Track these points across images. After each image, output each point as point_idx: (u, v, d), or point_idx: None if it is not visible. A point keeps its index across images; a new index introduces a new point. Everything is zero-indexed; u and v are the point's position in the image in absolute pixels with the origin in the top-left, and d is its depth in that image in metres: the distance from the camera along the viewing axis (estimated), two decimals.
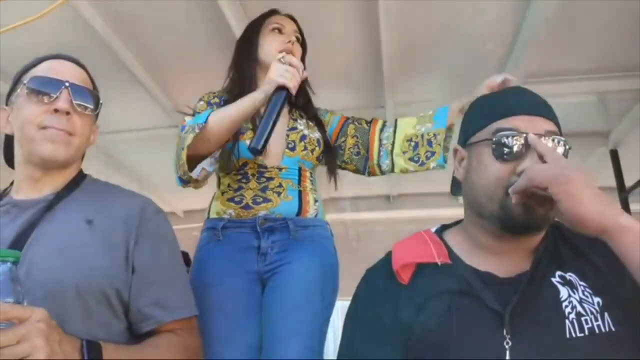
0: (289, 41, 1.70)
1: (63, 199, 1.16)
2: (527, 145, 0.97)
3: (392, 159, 1.71)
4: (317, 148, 1.69)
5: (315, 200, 1.66)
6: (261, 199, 1.58)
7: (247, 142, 1.52)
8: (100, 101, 1.24)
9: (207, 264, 1.55)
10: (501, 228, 1.00)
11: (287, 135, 1.67)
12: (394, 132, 1.74)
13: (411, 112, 2.75)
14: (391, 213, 3.96)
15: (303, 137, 1.68)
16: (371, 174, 1.78)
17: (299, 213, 1.59)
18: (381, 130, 1.77)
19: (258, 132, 1.40)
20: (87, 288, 1.03)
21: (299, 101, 1.79)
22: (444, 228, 1.16)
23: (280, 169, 1.62)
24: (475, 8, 2.07)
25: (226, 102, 1.64)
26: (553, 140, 0.99)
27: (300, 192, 1.63)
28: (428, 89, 2.68)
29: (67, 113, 1.14)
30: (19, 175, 1.20)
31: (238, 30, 2.12)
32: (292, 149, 1.65)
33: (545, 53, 2.27)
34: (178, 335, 1.12)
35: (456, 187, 1.17)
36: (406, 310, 1.00)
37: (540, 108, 1.05)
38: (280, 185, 1.61)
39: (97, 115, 1.26)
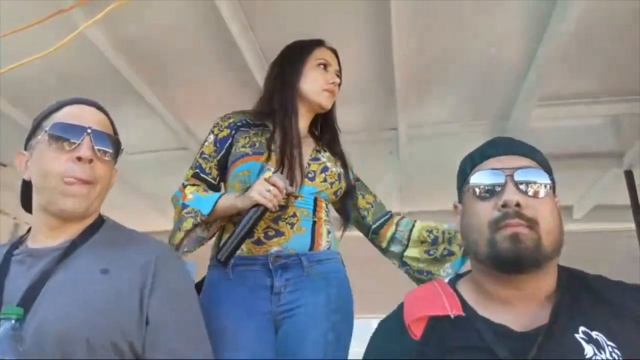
0: (333, 82, 1.73)
1: (79, 247, 1.14)
2: (504, 181, 1.01)
3: (405, 246, 1.71)
4: (337, 182, 1.65)
5: (329, 232, 1.62)
6: (273, 232, 1.54)
7: (267, 165, 1.56)
8: (122, 147, 1.22)
9: (218, 306, 1.50)
10: (494, 268, 0.99)
11: (308, 165, 1.64)
12: (413, 226, 1.73)
13: (424, 134, 2.80)
14: None
15: (325, 169, 1.65)
16: (374, 243, 1.79)
17: (311, 247, 1.56)
18: (397, 223, 1.76)
19: (226, 246, 1.46)
20: (99, 341, 1.00)
21: (325, 137, 1.79)
22: (457, 278, 1.14)
23: (295, 197, 1.58)
24: (491, 31, 2.05)
25: (247, 126, 1.67)
26: (528, 174, 1.02)
27: (314, 223, 1.59)
28: (442, 111, 2.66)
29: (90, 161, 1.12)
30: (36, 222, 1.18)
31: (247, 54, 2.14)
32: (312, 179, 1.62)
33: (561, 76, 2.26)
34: None
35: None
36: None
37: (514, 148, 1.10)
38: (294, 215, 1.57)
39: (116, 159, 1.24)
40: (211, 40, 2.15)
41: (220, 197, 1.55)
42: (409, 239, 1.71)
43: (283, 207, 1.56)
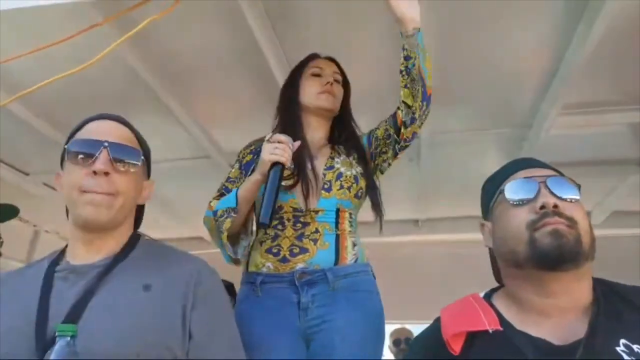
0: (327, 82, 1.75)
1: (119, 263, 1.16)
2: (538, 188, 1.05)
3: (406, 106, 1.61)
4: (354, 185, 1.66)
5: (354, 245, 1.63)
6: (298, 250, 1.57)
7: (283, 183, 1.57)
8: (141, 157, 1.22)
9: (249, 323, 1.53)
10: (536, 266, 1.01)
11: (324, 175, 1.66)
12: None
13: (445, 141, 2.81)
14: (420, 237, 3.93)
15: (339, 176, 1.67)
16: (401, 138, 1.67)
17: (336, 262, 1.57)
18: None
19: (263, 208, 1.48)
20: (145, 354, 1.02)
21: (341, 138, 1.81)
22: (491, 292, 1.15)
23: (316, 212, 1.61)
24: (514, 40, 2.05)
25: None
26: (559, 181, 1.07)
27: (337, 237, 1.60)
28: (463, 119, 2.66)
29: (107, 173, 1.13)
30: (71, 238, 1.20)
31: (273, 64, 2.15)
32: (328, 190, 1.64)
33: (583, 84, 2.24)
34: None
35: (495, 272, 1.21)
36: None
37: (539, 163, 1.16)
38: (316, 231, 1.59)
39: (147, 170, 1.26)
40: (238, 54, 2.17)
41: (239, 188, 1.62)
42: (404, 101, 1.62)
43: (305, 224, 1.60)
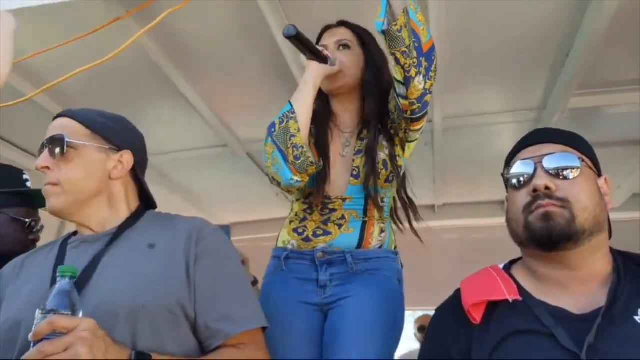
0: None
1: (126, 230, 1.22)
2: (534, 168, 1.07)
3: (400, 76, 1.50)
4: (383, 171, 1.59)
5: (382, 231, 1.62)
6: (321, 232, 1.60)
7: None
8: (79, 140, 1.22)
9: (272, 293, 1.60)
10: (535, 248, 1.05)
11: (353, 161, 1.63)
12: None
13: (460, 125, 2.82)
14: (437, 223, 3.92)
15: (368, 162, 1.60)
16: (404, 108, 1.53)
17: (359, 246, 1.58)
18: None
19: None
20: (154, 307, 1.07)
21: (369, 106, 1.66)
22: (510, 264, 1.17)
23: (344, 200, 1.61)
24: (527, 21, 2.05)
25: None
26: (556, 159, 1.08)
27: (364, 223, 1.60)
28: (478, 101, 2.66)
29: (47, 168, 1.20)
30: None
31: (290, 60, 2.18)
32: (357, 177, 1.61)
33: (598, 64, 2.23)
34: (242, 350, 1.13)
35: None
36: (479, 351, 1.01)
37: (544, 136, 1.16)
38: (342, 217, 1.60)
39: (116, 144, 1.27)
40: (256, 47, 2.21)
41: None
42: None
43: (332, 210, 1.60)
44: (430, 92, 1.51)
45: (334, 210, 1.61)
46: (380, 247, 1.60)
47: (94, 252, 1.17)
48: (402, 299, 1.60)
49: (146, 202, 1.35)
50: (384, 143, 1.63)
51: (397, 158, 1.62)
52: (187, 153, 3.07)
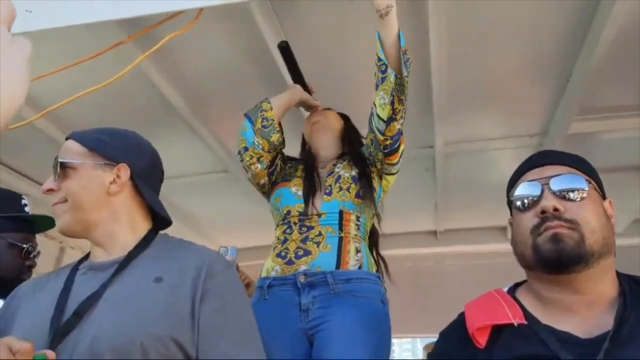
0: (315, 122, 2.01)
1: (133, 259, 1.19)
2: (541, 190, 1.06)
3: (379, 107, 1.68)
4: (352, 185, 1.74)
5: (358, 251, 1.64)
6: (302, 252, 1.63)
7: (292, 189, 1.75)
8: (73, 159, 1.24)
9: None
10: (543, 271, 1.03)
11: (325, 181, 1.76)
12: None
13: (461, 151, 2.82)
14: (439, 249, 3.92)
15: (338, 179, 1.75)
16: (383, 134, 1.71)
17: (338, 265, 1.59)
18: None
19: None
20: (152, 346, 1.04)
21: (347, 150, 1.94)
22: (515, 287, 1.15)
23: (319, 215, 1.68)
24: (531, 47, 2.07)
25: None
26: (563, 181, 1.07)
27: (340, 239, 1.64)
28: (479, 127, 2.67)
29: (51, 190, 1.23)
30: None
31: (290, 80, 2.17)
32: (329, 194, 1.72)
33: (599, 90, 2.25)
34: None
35: None
36: None
37: (550, 158, 1.14)
38: (320, 234, 1.65)
39: (112, 159, 1.25)
40: (258, 72, 2.23)
41: None
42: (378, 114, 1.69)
43: (310, 228, 1.66)
44: (402, 133, 1.74)
45: (311, 227, 1.67)
46: (359, 267, 1.62)
47: (100, 281, 1.15)
48: (384, 319, 1.60)
49: (159, 218, 1.31)
50: (353, 164, 1.82)
51: (372, 179, 1.78)
52: (189, 178, 3.07)
